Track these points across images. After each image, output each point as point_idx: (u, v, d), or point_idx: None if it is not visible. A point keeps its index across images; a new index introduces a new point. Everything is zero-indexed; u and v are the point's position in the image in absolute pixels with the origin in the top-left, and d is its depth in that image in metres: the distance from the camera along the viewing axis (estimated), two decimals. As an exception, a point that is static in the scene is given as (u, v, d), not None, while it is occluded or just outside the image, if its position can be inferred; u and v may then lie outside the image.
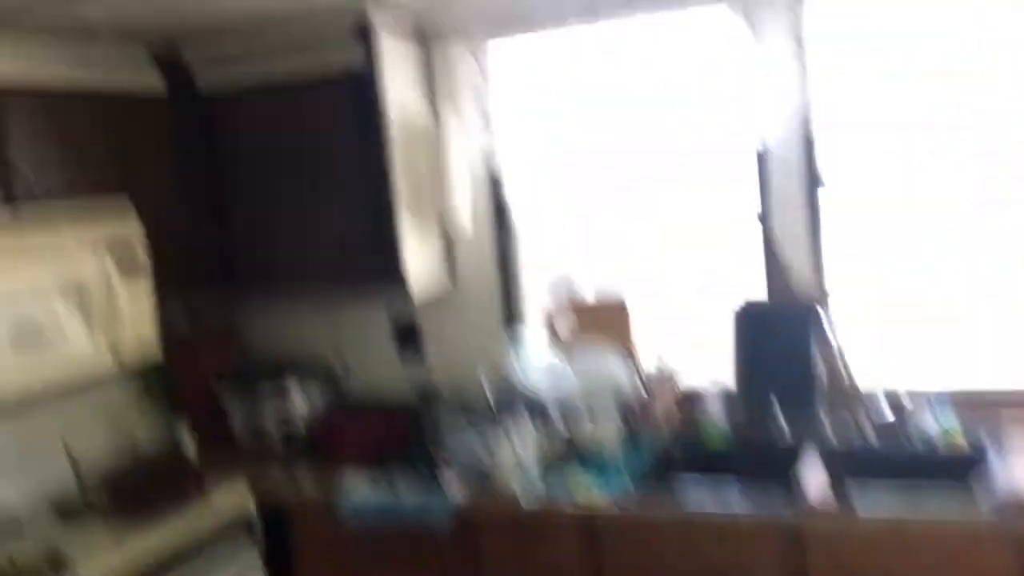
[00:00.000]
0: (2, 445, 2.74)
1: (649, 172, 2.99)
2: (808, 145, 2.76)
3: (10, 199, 2.48)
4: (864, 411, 2.67)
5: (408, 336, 3.32)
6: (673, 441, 2.80)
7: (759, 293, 2.87)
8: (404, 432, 3.01)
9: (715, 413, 2.78)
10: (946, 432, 2.55)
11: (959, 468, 2.49)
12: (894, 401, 2.65)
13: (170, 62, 3.03)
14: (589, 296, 3.06)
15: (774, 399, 2.71)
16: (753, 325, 2.84)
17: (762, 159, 2.81)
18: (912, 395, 2.66)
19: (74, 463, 2.91)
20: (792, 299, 2.82)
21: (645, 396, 2.75)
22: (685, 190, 2.95)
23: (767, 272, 2.86)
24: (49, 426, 2.87)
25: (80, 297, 2.55)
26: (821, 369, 2.72)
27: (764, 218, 2.84)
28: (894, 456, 2.59)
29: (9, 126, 2.49)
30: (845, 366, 2.61)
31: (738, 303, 2.86)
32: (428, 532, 2.56)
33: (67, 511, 2.68)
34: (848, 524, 2.21)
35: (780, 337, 2.80)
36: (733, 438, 2.77)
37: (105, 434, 3.10)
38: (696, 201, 2.95)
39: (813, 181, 2.78)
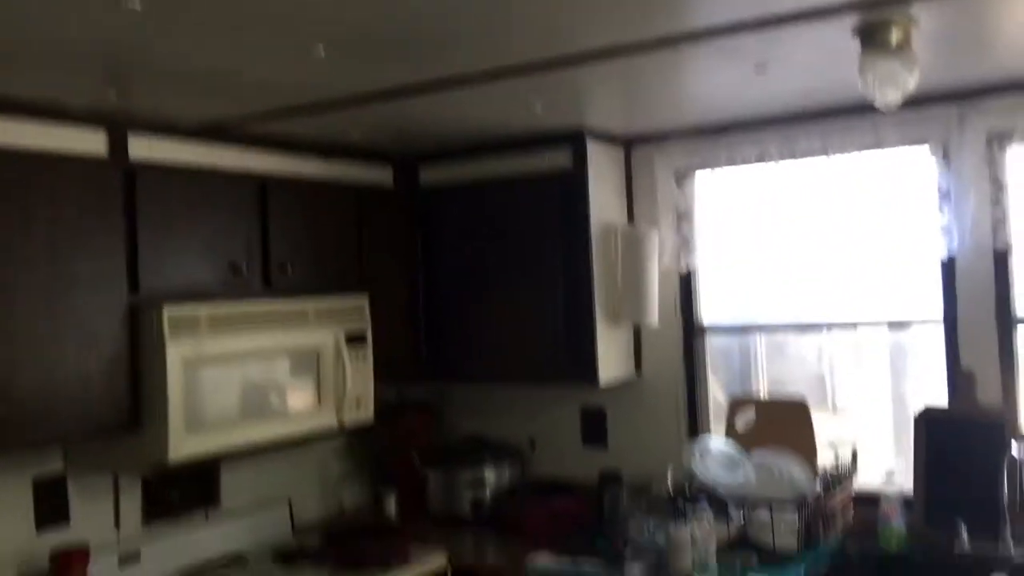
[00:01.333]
0: (235, 490, 3.14)
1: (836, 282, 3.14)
2: (1001, 265, 2.84)
3: (267, 283, 2.92)
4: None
5: (593, 422, 3.54)
6: (849, 541, 2.85)
7: (940, 401, 2.92)
8: (585, 512, 3.20)
9: (893, 517, 2.82)
10: None
11: None
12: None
13: (397, 154, 3.45)
14: (771, 396, 3.19)
15: (960, 520, 2.71)
16: (934, 432, 2.88)
17: (948, 268, 2.90)
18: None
19: (292, 513, 3.29)
20: (975, 410, 2.85)
21: (822, 495, 2.82)
22: (871, 297, 3.08)
23: (949, 380, 2.91)
24: (273, 477, 3.27)
25: (314, 362, 2.94)
26: (1006, 487, 2.72)
27: (949, 324, 2.91)
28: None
29: (268, 211, 2.94)
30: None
31: (920, 408, 2.91)
32: (605, 605, 2.71)
33: (285, 555, 3.01)
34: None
35: (962, 447, 2.83)
36: (912, 543, 2.80)
37: (318, 491, 3.48)
38: (881, 305, 3.07)
39: (1004, 296, 2.83)
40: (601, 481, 3.25)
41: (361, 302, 3.13)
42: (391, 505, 3.38)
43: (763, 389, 3.43)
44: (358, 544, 2.93)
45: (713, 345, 3.43)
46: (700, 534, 2.62)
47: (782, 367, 3.64)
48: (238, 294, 2.80)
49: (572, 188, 3.19)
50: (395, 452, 3.60)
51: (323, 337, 2.98)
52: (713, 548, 2.63)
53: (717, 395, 3.41)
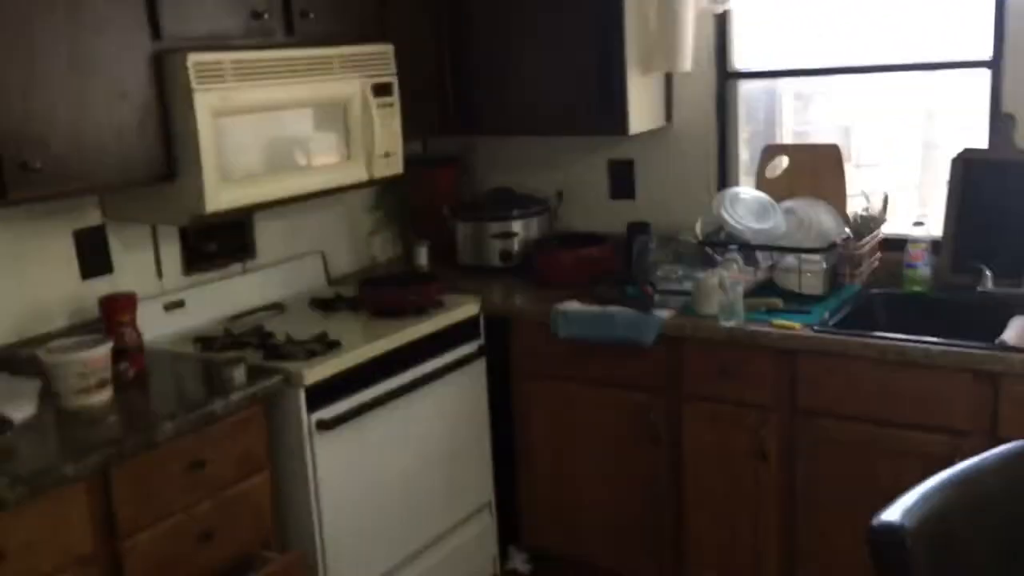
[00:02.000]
0: (267, 243, 3.21)
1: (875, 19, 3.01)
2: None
3: (290, 31, 2.82)
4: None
5: (621, 175, 3.53)
6: (874, 284, 2.91)
7: (980, 143, 2.88)
8: (614, 261, 3.26)
9: (920, 261, 2.85)
10: None
11: None
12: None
13: None
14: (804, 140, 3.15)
15: (984, 265, 2.73)
16: (971, 174, 2.86)
17: (1000, 4, 2.76)
18: None
19: (325, 263, 3.37)
20: (1014, 153, 2.81)
21: (850, 239, 2.85)
22: (912, 32, 2.96)
23: (991, 123, 2.85)
24: (305, 229, 3.33)
25: (342, 113, 2.90)
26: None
27: (994, 65, 2.81)
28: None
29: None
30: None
31: (957, 151, 2.88)
32: (633, 347, 2.82)
33: (324, 304, 3.11)
34: (1045, 365, 2.29)
35: (998, 190, 2.82)
36: (935, 286, 2.85)
37: (350, 244, 3.55)
38: (922, 44, 2.96)
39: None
40: (629, 231, 3.29)
41: (386, 50, 3.03)
42: (423, 256, 3.45)
43: (788, 140, 3.39)
44: (393, 291, 3.01)
45: (742, 94, 3.35)
46: (728, 279, 2.67)
47: (807, 118, 3.57)
48: (261, 42, 2.72)
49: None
50: (424, 205, 3.63)
51: (349, 87, 2.91)
52: (740, 293, 2.69)
53: (751, 139, 3.36)
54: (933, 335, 2.50)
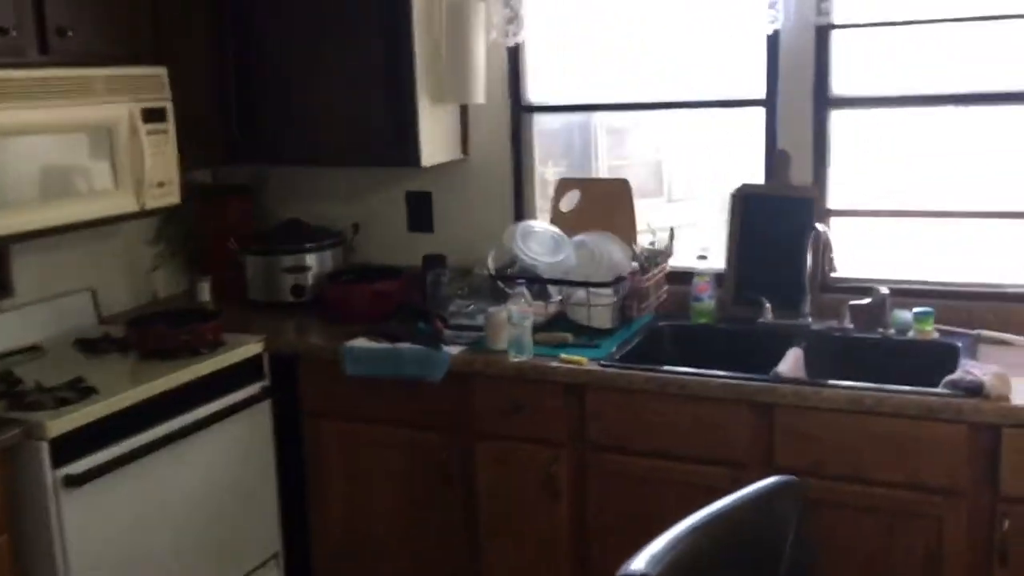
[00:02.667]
0: (28, 279, 2.92)
1: (659, 56, 3.08)
2: (823, 42, 2.81)
3: (44, 51, 2.58)
4: (846, 301, 2.78)
5: (419, 206, 3.44)
6: (661, 317, 2.94)
7: (757, 179, 2.97)
8: (408, 294, 3.16)
9: (704, 293, 2.90)
10: (920, 321, 2.67)
11: (928, 354, 2.62)
12: (874, 292, 2.75)
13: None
14: (595, 175, 3.16)
15: (763, 297, 2.81)
16: (748, 209, 2.94)
17: (772, 44, 2.86)
18: (892, 285, 2.77)
19: (96, 301, 3.11)
20: (787, 188, 2.91)
21: (638, 273, 2.86)
22: (694, 70, 3.04)
23: (766, 159, 2.94)
24: (73, 264, 3.06)
25: (107, 139, 2.68)
26: (809, 258, 2.81)
27: (768, 103, 2.91)
28: (868, 343, 2.71)
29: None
30: (830, 257, 2.71)
31: (736, 186, 2.96)
32: (422, 383, 2.72)
33: (89, 345, 2.86)
34: (812, 396, 2.34)
35: (773, 224, 2.91)
36: (719, 318, 2.90)
37: (128, 279, 3.29)
38: (702, 83, 3.04)
39: (822, 74, 2.83)
40: (425, 265, 3.20)
41: (159, 73, 2.84)
42: (205, 292, 3.24)
43: (603, 174, 3.42)
44: (163, 330, 2.80)
45: (550, 129, 3.35)
46: (516, 314, 2.62)
47: (620, 152, 3.63)
48: (11, 61, 2.48)
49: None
50: (211, 237, 3.43)
51: (115, 112, 2.71)
52: (529, 327, 2.65)
53: (552, 179, 3.36)
54: (718, 366, 2.54)
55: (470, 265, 3.18)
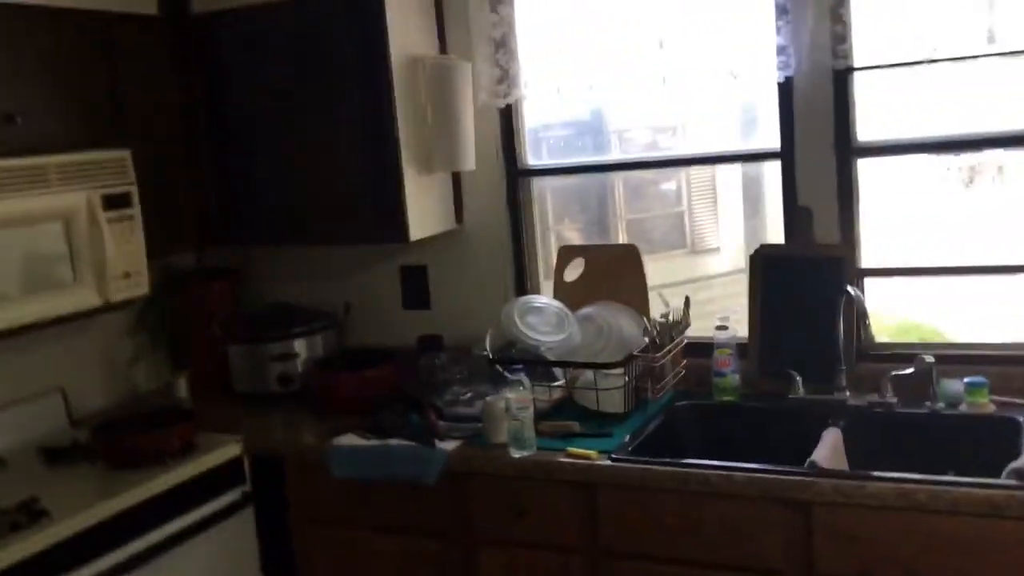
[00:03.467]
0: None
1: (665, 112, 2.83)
2: (841, 87, 2.54)
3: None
4: (886, 372, 2.47)
5: (414, 282, 3.19)
6: (679, 396, 2.65)
7: (778, 238, 2.69)
8: (402, 380, 2.90)
9: (727, 367, 2.61)
10: (973, 392, 2.35)
11: (985, 431, 2.30)
12: (917, 360, 2.44)
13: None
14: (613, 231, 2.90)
15: (793, 370, 2.53)
16: (771, 272, 2.65)
17: (785, 92, 2.60)
18: (937, 352, 2.46)
19: (67, 401, 2.87)
20: (812, 248, 2.62)
21: (651, 348, 2.58)
22: (704, 127, 2.79)
23: (786, 217, 2.66)
24: (42, 363, 2.83)
25: (63, 230, 2.47)
26: (842, 325, 2.52)
27: (785, 156, 2.64)
28: (915, 420, 2.40)
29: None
30: (866, 322, 2.41)
31: (756, 248, 2.68)
32: (417, 486, 2.45)
33: (55, 454, 2.62)
34: (856, 491, 2.03)
35: (799, 288, 2.62)
36: (745, 394, 2.61)
37: (102, 374, 3.06)
38: (714, 137, 2.79)
39: (844, 121, 2.56)
40: (420, 346, 2.94)
41: (121, 157, 2.63)
42: (182, 388, 2.99)
43: (622, 232, 3.16)
44: (131, 436, 2.55)
45: (565, 185, 3.11)
46: (514, 403, 2.35)
47: (640, 205, 3.39)
48: (-49, 152, 2.28)
49: (366, 11, 2.71)
50: (193, 325, 3.20)
51: (72, 200, 2.50)
52: (530, 418, 2.37)
53: (572, 240, 3.11)
54: (747, 451, 2.26)
55: (469, 344, 2.91)
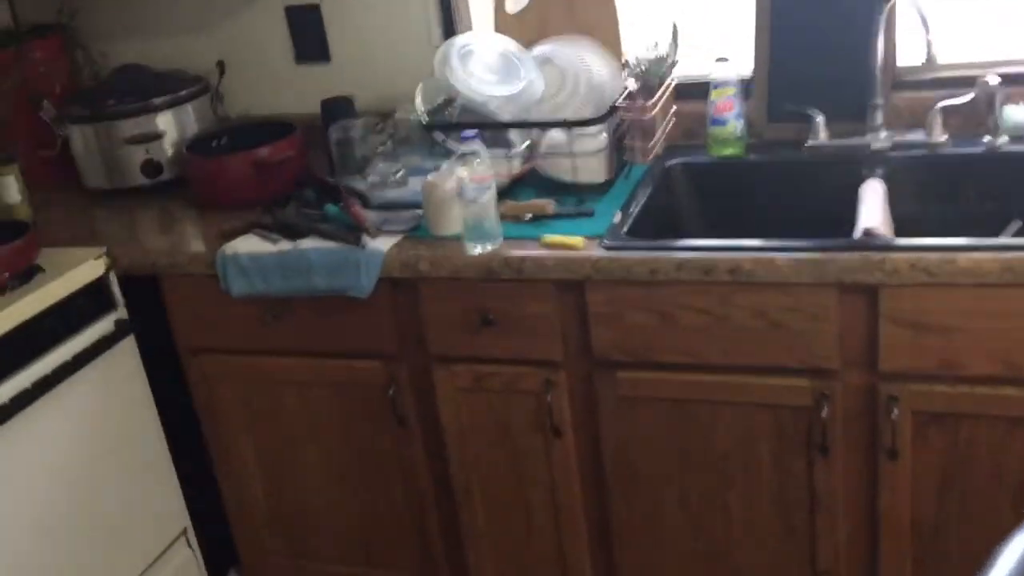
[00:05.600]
0: None
1: None
2: None
3: None
4: (930, 103, 1.93)
5: (306, 26, 2.44)
6: (670, 152, 2.07)
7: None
8: (307, 159, 2.24)
9: (728, 112, 2.02)
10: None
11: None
12: (977, 83, 1.90)
13: None
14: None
15: (813, 108, 1.97)
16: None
17: None
18: (1002, 69, 1.92)
19: None
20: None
21: (635, 96, 1.97)
22: None
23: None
24: None
25: None
26: (880, 42, 1.93)
27: None
28: (972, 160, 1.90)
29: None
30: (928, 35, 1.82)
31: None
32: (344, 297, 1.86)
33: None
34: (942, 265, 1.52)
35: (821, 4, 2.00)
36: (752, 145, 2.05)
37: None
38: None
39: None
40: (325, 112, 2.25)
41: None
42: (12, 190, 2.24)
43: None
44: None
45: None
46: (470, 185, 1.73)
47: None
48: None
49: None
50: (14, 104, 2.42)
51: None
52: (492, 201, 1.76)
53: None
54: (761, 219, 1.85)
55: (386, 107, 2.25)
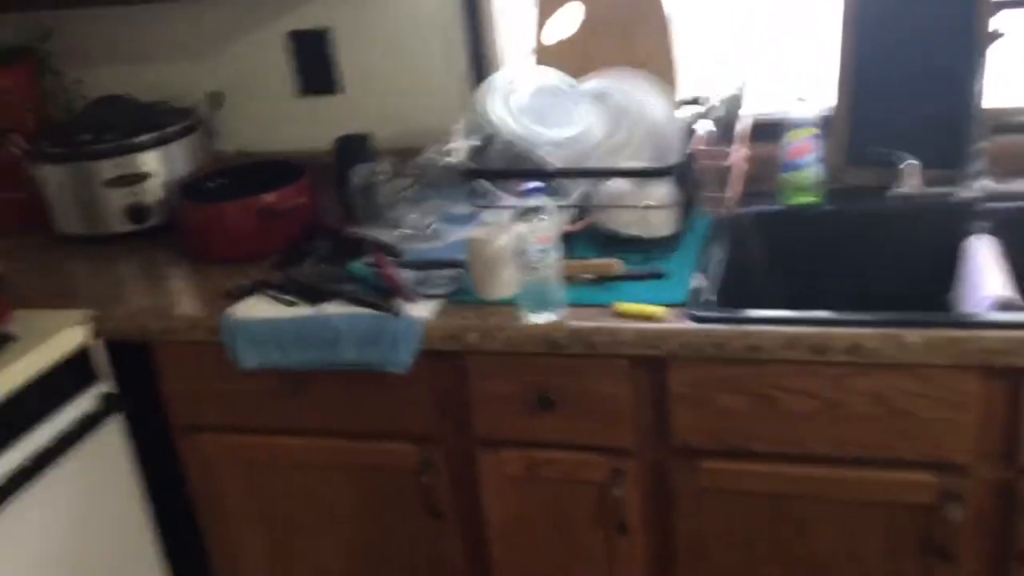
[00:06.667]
0: None
1: None
2: None
3: None
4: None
5: (312, 54, 2.18)
6: (743, 205, 1.83)
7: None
8: (320, 205, 1.96)
9: (805, 155, 1.79)
10: None
11: None
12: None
13: None
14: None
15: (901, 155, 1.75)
16: (868, 14, 1.79)
17: None
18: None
19: None
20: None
21: (709, 140, 1.73)
22: None
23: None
24: None
25: None
26: (978, 84, 1.71)
27: None
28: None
29: None
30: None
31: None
32: (373, 373, 1.58)
33: None
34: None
35: (912, 22, 1.78)
36: (831, 192, 1.82)
37: None
38: None
39: None
40: (340, 152, 1.97)
41: None
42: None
43: None
44: None
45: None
46: (533, 244, 1.46)
47: None
48: None
49: None
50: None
51: None
52: (555, 263, 1.50)
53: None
54: (839, 281, 1.69)
55: (405, 146, 1.99)
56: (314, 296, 1.65)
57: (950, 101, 1.74)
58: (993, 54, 1.72)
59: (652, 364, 1.49)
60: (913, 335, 1.35)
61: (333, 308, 1.62)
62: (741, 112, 1.80)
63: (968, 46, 1.70)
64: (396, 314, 1.57)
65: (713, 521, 1.57)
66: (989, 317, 1.37)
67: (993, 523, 1.43)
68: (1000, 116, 1.79)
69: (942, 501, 1.43)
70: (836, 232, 1.80)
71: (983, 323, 1.35)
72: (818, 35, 1.89)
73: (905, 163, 1.73)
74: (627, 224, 1.69)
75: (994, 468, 1.40)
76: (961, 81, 1.72)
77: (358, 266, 1.70)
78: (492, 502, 1.67)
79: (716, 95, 1.79)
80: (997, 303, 1.40)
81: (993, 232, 1.66)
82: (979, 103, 1.71)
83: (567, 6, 1.93)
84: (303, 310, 1.63)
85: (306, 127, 2.18)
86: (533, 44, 1.95)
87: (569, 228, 1.71)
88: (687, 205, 1.71)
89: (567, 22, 1.92)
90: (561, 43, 1.95)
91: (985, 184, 1.72)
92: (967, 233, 1.67)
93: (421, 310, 1.58)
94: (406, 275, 1.65)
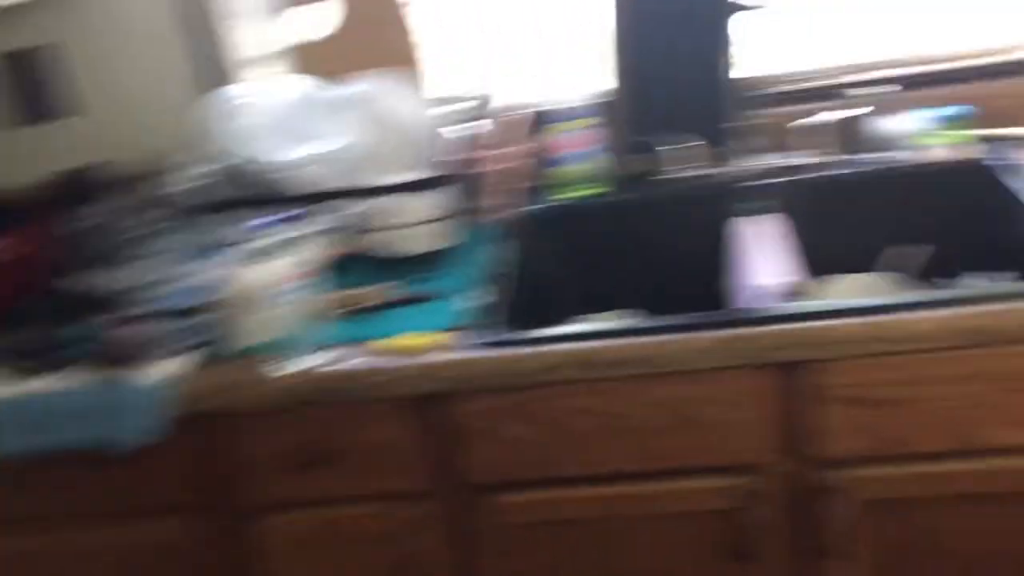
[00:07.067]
0: None
1: None
2: None
3: None
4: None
5: (28, 73, 1.89)
6: (516, 208, 1.71)
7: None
8: (41, 257, 1.69)
9: (579, 147, 1.69)
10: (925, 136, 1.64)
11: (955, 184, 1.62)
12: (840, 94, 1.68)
13: None
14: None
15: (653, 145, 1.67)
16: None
17: None
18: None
19: None
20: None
21: (484, 146, 1.59)
22: None
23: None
24: None
25: None
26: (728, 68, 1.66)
27: None
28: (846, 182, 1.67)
29: None
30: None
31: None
32: (111, 451, 1.36)
33: None
34: (892, 327, 1.24)
35: (671, 13, 1.70)
36: (612, 181, 1.73)
37: None
38: None
39: None
40: (68, 191, 1.71)
41: None
42: None
43: None
44: None
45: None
46: (280, 278, 1.28)
47: None
48: None
49: None
50: None
51: None
52: (315, 298, 1.32)
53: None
54: (640, 275, 1.56)
55: (143, 175, 1.75)
56: (45, 362, 1.41)
57: (706, 78, 1.68)
58: (745, 25, 1.67)
59: (432, 400, 1.34)
60: (703, 339, 1.26)
61: (56, 382, 1.38)
62: (498, 109, 1.67)
63: (712, 20, 1.63)
64: (123, 381, 1.34)
65: (524, 557, 1.44)
66: (758, 314, 1.29)
67: (795, 518, 1.38)
68: (756, 87, 1.74)
69: (742, 503, 1.36)
70: (618, 224, 1.71)
71: (751, 320, 1.27)
72: (586, 22, 1.79)
73: (666, 147, 1.66)
74: (396, 243, 1.53)
75: (784, 463, 1.34)
76: (707, 56, 1.66)
77: (86, 326, 1.46)
78: (280, 571, 1.48)
79: (470, 93, 1.65)
80: (761, 292, 1.34)
81: (783, 209, 1.60)
82: (725, 77, 1.65)
83: (315, 5, 1.75)
84: (14, 387, 1.38)
85: (21, 160, 1.88)
86: (284, 48, 1.75)
87: (333, 253, 1.54)
88: (463, 214, 1.57)
89: (319, 23, 1.74)
90: (314, 45, 1.76)
91: (761, 160, 1.67)
92: (732, 214, 1.61)
93: (164, 369, 1.37)
94: (145, 329, 1.43)
